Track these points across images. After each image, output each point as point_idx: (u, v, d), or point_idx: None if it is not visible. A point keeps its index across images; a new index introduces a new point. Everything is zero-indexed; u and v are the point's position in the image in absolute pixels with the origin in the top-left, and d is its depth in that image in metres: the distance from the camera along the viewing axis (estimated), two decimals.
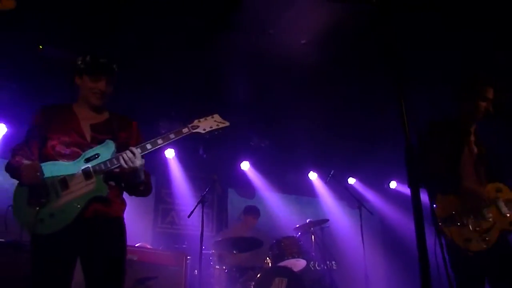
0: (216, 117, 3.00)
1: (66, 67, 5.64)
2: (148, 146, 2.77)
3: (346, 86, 6.40)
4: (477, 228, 3.18)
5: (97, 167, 2.68)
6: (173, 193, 8.18)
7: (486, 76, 3.52)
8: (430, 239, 1.68)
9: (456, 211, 3.22)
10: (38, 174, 2.58)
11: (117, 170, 2.74)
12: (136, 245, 5.34)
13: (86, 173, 2.67)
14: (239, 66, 5.95)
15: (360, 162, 8.88)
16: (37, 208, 2.59)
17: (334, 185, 8.36)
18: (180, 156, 8.06)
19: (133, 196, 3.00)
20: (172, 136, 2.84)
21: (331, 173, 6.76)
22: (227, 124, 3.00)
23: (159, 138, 2.80)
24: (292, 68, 5.95)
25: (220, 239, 6.20)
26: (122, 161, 2.66)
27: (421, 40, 5.14)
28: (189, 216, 5.69)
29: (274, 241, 5.93)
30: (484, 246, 3.14)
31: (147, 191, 2.98)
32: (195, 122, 2.93)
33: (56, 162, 2.71)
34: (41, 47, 5.42)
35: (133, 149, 2.69)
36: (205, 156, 8.11)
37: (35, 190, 2.63)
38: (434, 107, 6.41)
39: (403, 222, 8.69)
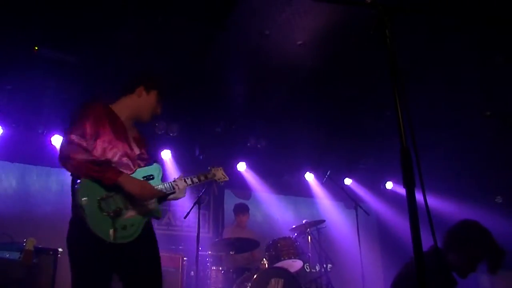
0: (221, 170, 3.48)
1: (61, 68, 5.71)
2: (188, 181, 3.06)
3: (342, 86, 6.41)
4: None
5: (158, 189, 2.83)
6: None
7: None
8: (426, 239, 1.69)
9: None
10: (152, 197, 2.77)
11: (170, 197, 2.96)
12: None
13: None
14: (235, 67, 5.96)
15: (356, 163, 8.90)
16: (112, 216, 2.53)
17: (330, 185, 8.37)
18: (176, 157, 8.05)
19: None
20: (202, 178, 3.22)
21: (328, 173, 6.77)
22: (227, 179, 3.50)
23: (195, 177, 3.15)
24: (289, 69, 5.96)
25: (217, 240, 6.21)
26: (177, 190, 2.91)
27: (418, 40, 5.15)
28: (185, 217, 5.68)
29: (271, 242, 5.93)
30: None
31: None
32: (213, 170, 3.40)
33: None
34: (36, 48, 5.41)
35: (183, 183, 3.00)
36: (201, 157, 8.10)
37: (108, 195, 2.57)
38: (431, 107, 6.46)
39: (399, 222, 8.72)
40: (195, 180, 3.13)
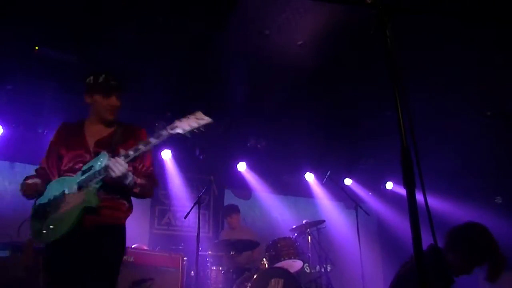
0: (198, 114, 2.82)
1: (62, 68, 5.71)
2: (131, 152, 2.78)
3: (342, 87, 6.41)
4: None
5: (86, 179, 2.78)
6: (169, 194, 8.17)
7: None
8: (426, 239, 1.69)
9: None
10: (36, 191, 2.89)
11: (108, 179, 2.75)
12: (133, 247, 5.33)
13: (79, 185, 2.79)
14: (235, 67, 5.96)
15: (356, 163, 8.90)
16: (40, 219, 2.80)
17: (330, 186, 8.37)
18: (176, 157, 8.05)
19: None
20: (152, 140, 2.78)
21: (328, 174, 6.77)
22: (209, 120, 2.80)
23: (141, 144, 2.79)
24: (289, 69, 5.96)
25: (217, 241, 6.21)
26: (109, 170, 2.69)
27: (418, 40, 5.15)
28: (185, 217, 5.69)
29: (271, 242, 5.93)
30: None
31: (145, 193, 3.00)
32: (176, 122, 2.78)
33: (64, 178, 2.88)
34: (37, 48, 5.41)
35: (117, 158, 2.72)
36: (201, 157, 8.10)
37: (40, 202, 2.88)
38: (431, 107, 6.46)
39: (399, 222, 8.71)
40: (141, 146, 2.77)
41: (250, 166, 8.64)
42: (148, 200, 7.94)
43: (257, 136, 8.06)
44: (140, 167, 3.00)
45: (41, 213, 2.81)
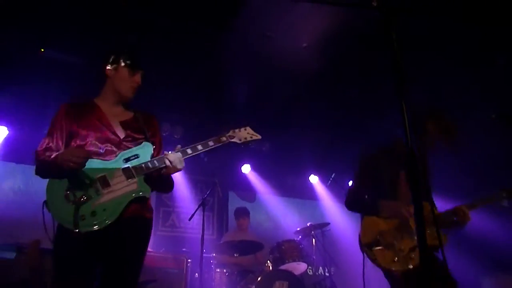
0: (248, 129, 3.11)
1: (67, 70, 5.73)
2: (189, 151, 2.81)
3: (347, 89, 6.41)
4: (402, 247, 3.19)
5: (138, 168, 2.66)
6: (174, 196, 8.18)
7: (429, 110, 3.48)
8: None
9: (381, 233, 3.27)
10: (86, 157, 2.52)
11: (156, 172, 2.72)
12: None
13: (127, 173, 2.64)
14: (240, 69, 5.96)
15: None
16: (77, 205, 2.52)
17: (335, 188, 8.35)
18: None
19: None
20: (211, 143, 2.88)
21: (332, 176, 6.76)
22: (259, 137, 3.13)
23: (199, 144, 2.84)
24: (293, 71, 5.95)
25: (221, 242, 6.21)
26: (168, 163, 2.67)
27: (422, 41, 5.14)
28: (190, 219, 5.69)
29: (275, 244, 5.92)
30: (410, 266, 3.11)
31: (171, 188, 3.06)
32: (231, 132, 3.00)
33: (92, 160, 2.62)
34: (42, 50, 5.43)
35: (178, 153, 2.73)
36: (206, 159, 8.11)
37: (73, 186, 2.56)
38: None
39: None
40: (200, 147, 2.86)
41: (255, 168, 8.64)
42: (152, 202, 7.92)
43: (261, 138, 8.05)
44: None
45: (72, 198, 2.53)
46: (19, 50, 5.43)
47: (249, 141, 3.06)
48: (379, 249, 3.21)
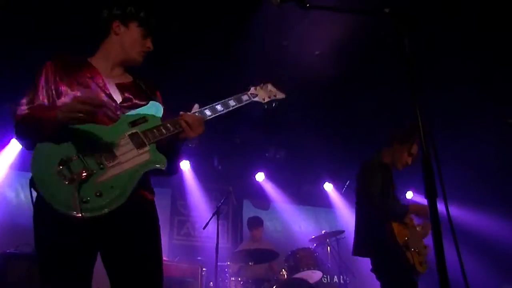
0: (270, 86, 2.62)
1: None
2: (208, 112, 2.32)
3: (361, 97, 6.39)
4: (422, 252, 3.55)
5: (149, 133, 2.13)
6: (188, 204, 8.21)
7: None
8: (448, 250, 1.66)
9: (408, 237, 3.47)
10: (99, 105, 2.01)
11: (181, 136, 2.24)
12: None
13: (136, 140, 2.10)
14: (254, 77, 5.97)
15: None
16: (76, 183, 1.90)
17: (350, 195, 8.30)
18: (195, 168, 8.10)
19: None
20: (232, 103, 2.41)
21: (347, 183, 6.73)
22: (284, 96, 2.65)
23: (218, 104, 2.36)
24: (307, 80, 5.95)
25: (236, 251, 6.20)
26: (185, 125, 2.19)
27: (435, 49, 5.12)
28: (204, 228, 5.69)
29: (290, 253, 5.90)
30: (426, 270, 3.44)
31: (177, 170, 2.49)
32: (252, 89, 2.54)
33: (89, 125, 2.04)
34: None
35: (196, 114, 2.26)
36: (220, 167, 8.13)
37: (68, 158, 1.94)
38: (450, 115, 6.39)
39: None
40: (219, 107, 2.36)
41: (269, 177, 8.64)
42: (167, 210, 7.99)
43: (275, 147, 8.06)
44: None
45: (68, 174, 1.91)
46: (25, 59, 5.50)
47: (274, 101, 2.59)
48: (413, 251, 3.40)
